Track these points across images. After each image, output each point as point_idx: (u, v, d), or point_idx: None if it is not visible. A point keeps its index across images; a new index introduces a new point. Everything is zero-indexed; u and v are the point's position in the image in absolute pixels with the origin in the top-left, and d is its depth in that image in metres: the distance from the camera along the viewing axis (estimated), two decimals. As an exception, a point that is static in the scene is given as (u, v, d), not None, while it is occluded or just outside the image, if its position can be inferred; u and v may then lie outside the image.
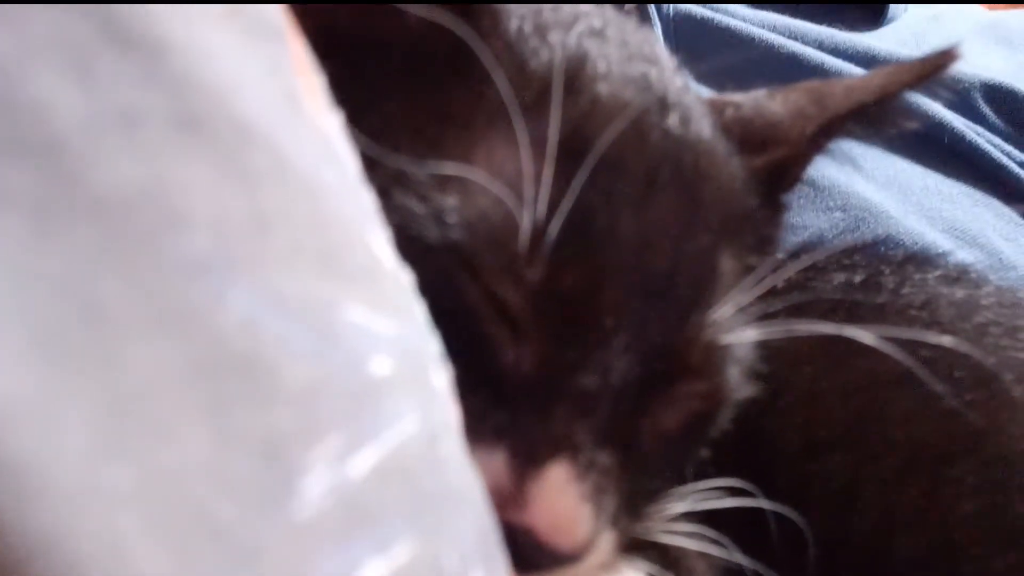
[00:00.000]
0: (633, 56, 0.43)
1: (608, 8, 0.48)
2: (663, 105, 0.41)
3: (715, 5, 0.92)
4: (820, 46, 0.88)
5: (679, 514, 0.45)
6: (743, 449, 0.50)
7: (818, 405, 0.51)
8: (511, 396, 0.37)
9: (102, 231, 0.21)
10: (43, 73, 0.20)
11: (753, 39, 0.88)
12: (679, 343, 0.40)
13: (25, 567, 0.18)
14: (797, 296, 0.47)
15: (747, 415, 0.49)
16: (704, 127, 0.43)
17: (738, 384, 0.44)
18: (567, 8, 0.44)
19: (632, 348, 0.38)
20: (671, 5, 0.91)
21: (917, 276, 0.56)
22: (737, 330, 0.42)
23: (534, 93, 0.39)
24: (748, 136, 0.47)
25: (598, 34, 0.43)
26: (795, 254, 0.54)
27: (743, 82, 0.86)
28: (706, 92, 0.86)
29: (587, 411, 0.37)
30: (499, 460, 0.36)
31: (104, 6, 0.22)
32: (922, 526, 0.48)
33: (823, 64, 0.86)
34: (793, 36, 0.89)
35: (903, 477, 0.49)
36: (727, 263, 0.42)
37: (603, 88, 0.40)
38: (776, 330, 0.43)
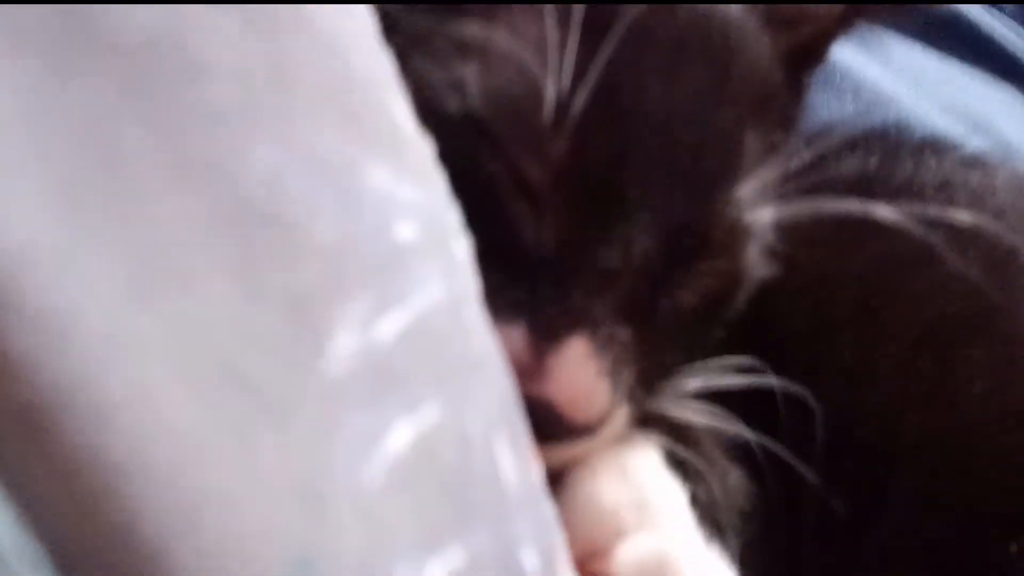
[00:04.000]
0: None
1: None
2: None
3: None
4: None
5: (690, 391, 0.45)
6: (754, 328, 0.50)
7: (830, 285, 0.51)
8: (531, 270, 0.36)
9: (121, 76, 0.20)
10: None
11: None
12: (702, 220, 0.39)
13: (54, 413, 0.18)
14: (812, 177, 0.46)
15: (759, 294, 0.49)
16: (732, 7, 0.42)
17: (757, 263, 0.43)
18: None
19: (655, 224, 0.37)
20: None
21: (933, 160, 0.55)
22: (759, 208, 0.41)
23: None
24: (774, 12, 0.45)
25: None
26: (809, 136, 0.53)
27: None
28: None
29: (607, 286, 0.37)
30: (518, 334, 0.36)
31: None
32: (932, 405, 0.48)
33: None
34: None
35: (914, 357, 0.49)
36: (752, 140, 0.41)
37: None
38: (798, 208, 0.42)
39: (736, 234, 0.40)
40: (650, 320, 0.39)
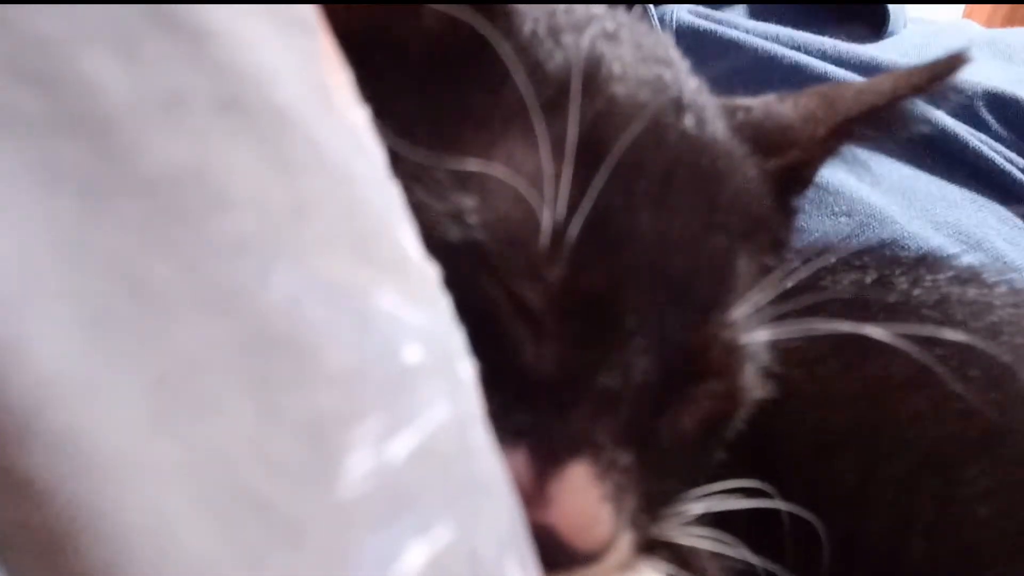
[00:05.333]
0: (647, 58, 0.43)
1: (620, 11, 0.48)
2: (679, 106, 0.41)
3: (718, 16, 0.93)
4: (823, 56, 0.89)
5: (694, 515, 0.45)
6: (755, 450, 0.50)
7: (829, 406, 0.51)
8: (531, 395, 0.37)
9: (149, 210, 0.21)
10: (92, 53, 0.21)
11: (756, 49, 0.89)
12: (698, 343, 0.39)
13: (74, 539, 0.18)
14: (809, 297, 0.47)
15: (759, 416, 0.49)
16: (719, 128, 0.43)
17: (754, 384, 0.44)
18: (580, 10, 0.45)
19: (652, 348, 0.38)
20: (674, 15, 0.92)
21: (929, 277, 0.56)
22: (754, 330, 0.42)
23: (551, 94, 0.39)
24: (760, 139, 0.47)
25: (611, 36, 0.43)
26: (806, 256, 0.54)
27: (747, 91, 0.87)
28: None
29: (607, 411, 0.37)
30: (520, 459, 0.36)
31: None
32: (937, 529, 0.48)
33: (827, 73, 0.86)
34: (796, 47, 0.90)
35: (916, 479, 0.49)
36: (744, 264, 0.42)
37: (619, 89, 0.40)
38: (793, 329, 0.43)
39: (732, 356, 0.41)
40: (651, 444, 0.39)
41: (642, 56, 0.43)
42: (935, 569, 0.48)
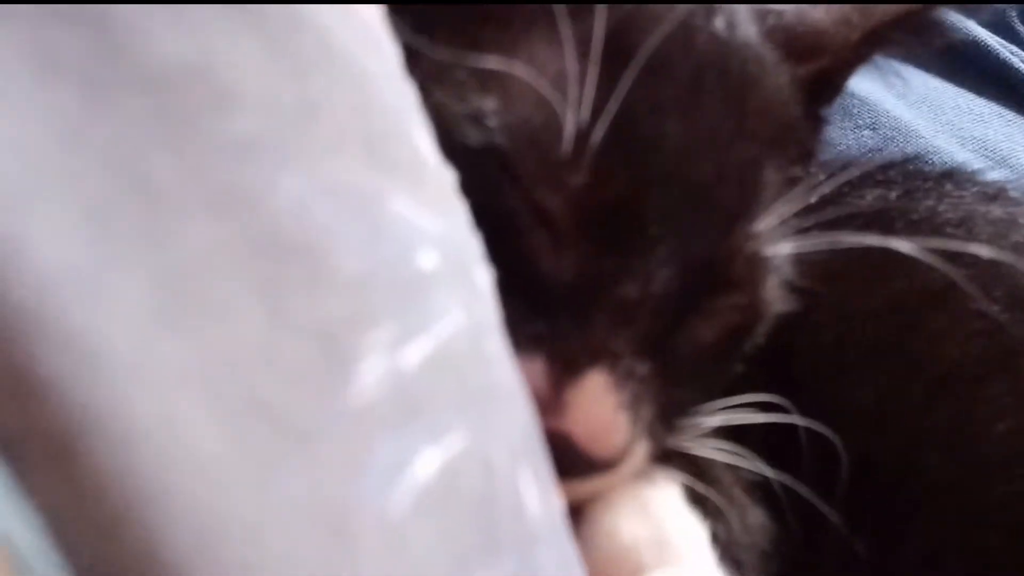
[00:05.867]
0: None
1: None
2: (709, 8, 0.40)
3: None
4: None
5: (711, 428, 0.44)
6: (773, 364, 0.50)
7: (851, 322, 0.51)
8: (550, 303, 0.36)
9: (152, 105, 0.20)
10: None
11: None
12: (722, 254, 0.39)
13: (80, 436, 0.18)
14: (832, 211, 0.46)
15: (779, 330, 0.48)
16: (751, 32, 0.42)
17: (776, 297, 0.43)
18: None
19: (674, 257, 0.37)
20: None
21: (955, 192, 0.54)
22: (778, 242, 0.41)
23: None
24: (792, 43, 0.45)
25: None
26: (830, 170, 0.53)
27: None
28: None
29: (627, 320, 0.36)
30: (537, 367, 0.36)
31: None
32: (954, 445, 0.48)
33: None
34: None
35: (935, 396, 0.49)
36: (771, 174, 0.41)
37: None
38: (818, 243, 0.42)
39: (755, 268, 0.40)
40: (669, 355, 0.38)
41: None
42: (951, 485, 0.47)
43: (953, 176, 0.57)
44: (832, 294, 0.49)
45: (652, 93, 0.37)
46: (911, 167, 0.58)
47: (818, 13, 0.47)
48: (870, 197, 0.53)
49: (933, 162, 0.73)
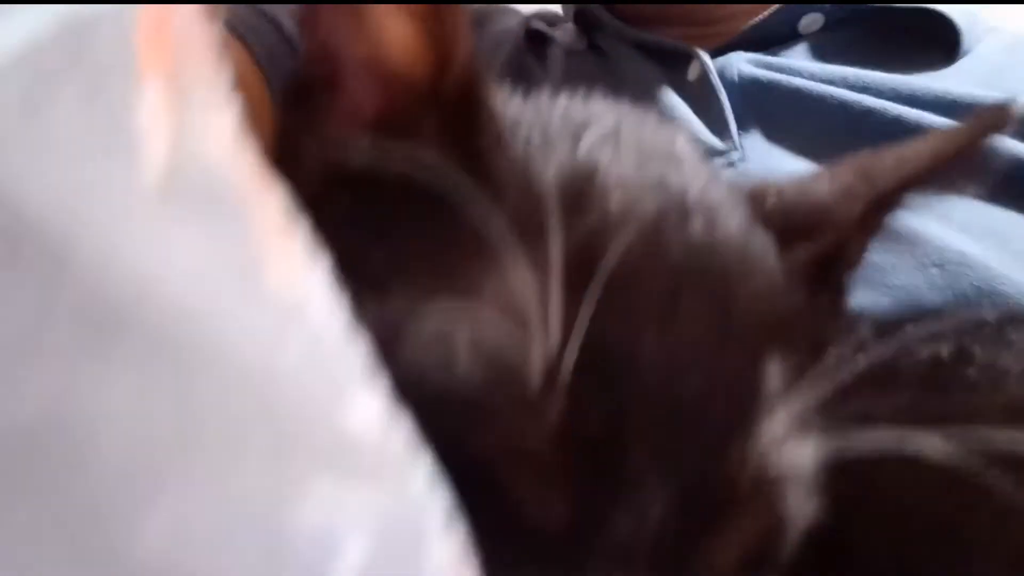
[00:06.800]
0: (650, 157, 0.40)
1: (625, 107, 0.46)
2: (683, 209, 0.38)
3: (780, 63, 0.89)
4: (896, 96, 0.84)
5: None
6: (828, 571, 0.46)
7: (909, 510, 0.46)
8: (539, 551, 0.34)
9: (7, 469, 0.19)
10: None
11: (824, 99, 0.84)
12: (721, 472, 0.36)
13: None
14: (869, 394, 0.43)
15: (829, 532, 0.44)
16: (733, 225, 0.40)
17: (800, 506, 0.39)
18: (578, 113, 0.43)
19: (668, 485, 0.34)
20: (735, 69, 0.88)
21: (1017, 337, 0.50)
22: (795, 444, 0.38)
23: (539, 216, 0.36)
24: (791, 225, 0.43)
25: (611, 138, 0.40)
26: (880, 328, 0.50)
27: (819, 145, 0.82)
28: (784, 157, 0.83)
29: (625, 561, 0.33)
30: None
31: None
32: None
33: (900, 117, 0.81)
34: (865, 88, 0.85)
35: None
36: (774, 372, 0.38)
37: (614, 200, 0.37)
38: (835, 450, 0.38)
39: (765, 481, 0.37)
40: None
41: (644, 156, 0.40)
42: None
43: (1015, 317, 0.52)
44: (883, 478, 0.45)
45: (625, 310, 0.35)
46: (970, 313, 0.55)
47: (821, 187, 0.45)
48: (921, 358, 0.49)
49: (1008, 296, 0.68)
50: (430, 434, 0.32)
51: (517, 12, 1.01)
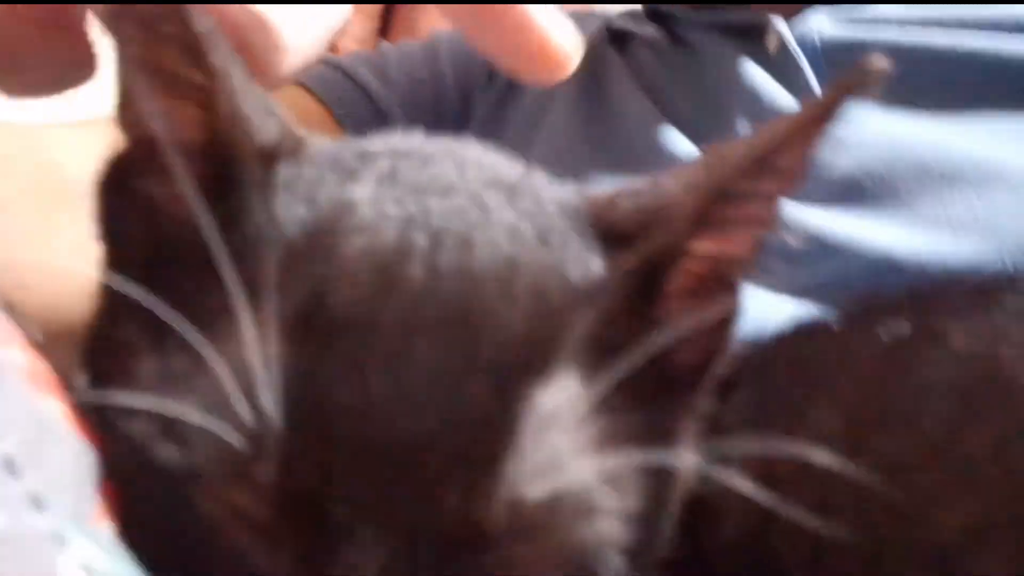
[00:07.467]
0: (422, 193, 0.39)
1: (439, 142, 0.45)
2: (436, 239, 0.37)
3: (867, 13, 0.80)
4: (997, 27, 0.73)
5: None
6: (748, 568, 0.43)
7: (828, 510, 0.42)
8: None
9: None
10: None
11: (916, 48, 0.75)
12: (464, 517, 0.34)
13: None
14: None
15: (751, 530, 0.42)
16: (500, 248, 0.38)
17: (609, 531, 0.37)
18: (375, 147, 0.42)
19: (388, 534, 0.33)
20: (817, 33, 0.81)
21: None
22: (581, 462, 0.36)
23: (283, 264, 0.36)
24: (617, 230, 0.40)
25: (387, 177, 0.39)
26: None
27: (923, 98, 0.73)
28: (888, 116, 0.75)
29: None
30: None
31: None
32: None
33: (999, 54, 0.71)
34: (963, 24, 0.75)
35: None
36: (553, 395, 0.36)
37: (354, 243, 0.36)
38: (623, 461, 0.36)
39: (530, 512, 0.35)
40: None
41: (414, 193, 0.39)
42: None
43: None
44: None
45: (348, 358, 0.34)
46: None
47: (669, 183, 0.41)
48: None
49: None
50: (158, 506, 0.35)
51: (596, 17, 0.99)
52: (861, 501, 0.40)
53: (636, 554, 0.39)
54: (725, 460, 0.39)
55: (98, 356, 0.39)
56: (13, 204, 0.64)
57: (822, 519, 0.39)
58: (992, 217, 0.67)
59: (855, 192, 0.72)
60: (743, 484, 0.37)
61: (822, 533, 0.38)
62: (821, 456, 0.37)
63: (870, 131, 0.72)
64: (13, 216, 0.66)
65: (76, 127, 0.76)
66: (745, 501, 0.43)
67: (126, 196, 0.41)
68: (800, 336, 0.48)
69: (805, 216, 0.71)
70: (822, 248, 0.69)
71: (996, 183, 0.68)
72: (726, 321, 0.43)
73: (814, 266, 0.67)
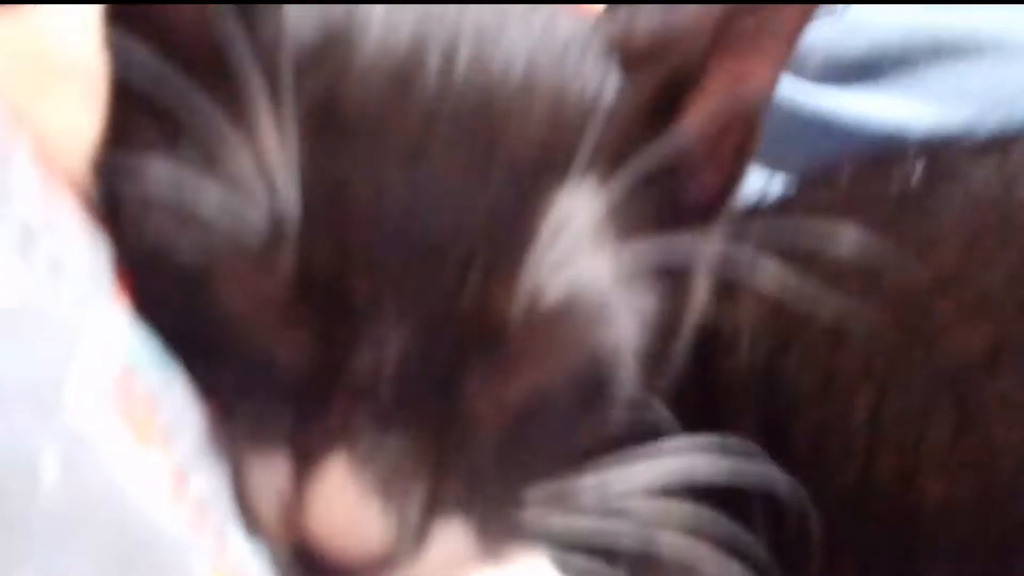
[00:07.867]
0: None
1: None
2: (451, 44, 0.36)
3: None
4: None
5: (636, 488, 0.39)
6: (759, 397, 0.44)
7: (842, 334, 0.43)
8: (290, 394, 0.34)
9: None
10: None
11: None
12: (482, 308, 0.34)
13: None
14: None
15: (763, 359, 0.44)
16: (518, 56, 0.37)
17: (628, 335, 0.38)
18: None
19: (405, 322, 0.33)
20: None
21: None
22: (596, 263, 0.37)
23: (299, 65, 0.35)
24: (632, 49, 0.40)
25: None
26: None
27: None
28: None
29: (365, 395, 0.33)
30: (281, 466, 0.34)
31: None
32: (956, 464, 0.40)
33: None
34: None
35: (932, 403, 0.40)
36: (570, 197, 0.36)
37: (369, 44, 0.36)
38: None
39: (543, 312, 0.35)
40: (445, 424, 0.35)
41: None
42: (958, 510, 0.40)
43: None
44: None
45: (366, 155, 0.34)
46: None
47: (683, 9, 0.41)
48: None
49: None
50: (175, 300, 0.35)
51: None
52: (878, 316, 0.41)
53: (648, 366, 0.40)
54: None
55: (110, 164, 0.37)
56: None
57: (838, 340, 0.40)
58: (1008, 89, 0.67)
59: (870, 72, 0.72)
60: (768, 265, 0.38)
61: (844, 316, 0.40)
62: (848, 234, 0.38)
63: (886, 15, 0.72)
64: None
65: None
66: (758, 329, 0.44)
67: (136, 24, 0.41)
68: (817, 179, 0.49)
69: (818, 97, 0.71)
70: (826, 128, 0.69)
71: (1013, 55, 0.68)
72: (741, 151, 0.44)
73: (816, 146, 0.67)
